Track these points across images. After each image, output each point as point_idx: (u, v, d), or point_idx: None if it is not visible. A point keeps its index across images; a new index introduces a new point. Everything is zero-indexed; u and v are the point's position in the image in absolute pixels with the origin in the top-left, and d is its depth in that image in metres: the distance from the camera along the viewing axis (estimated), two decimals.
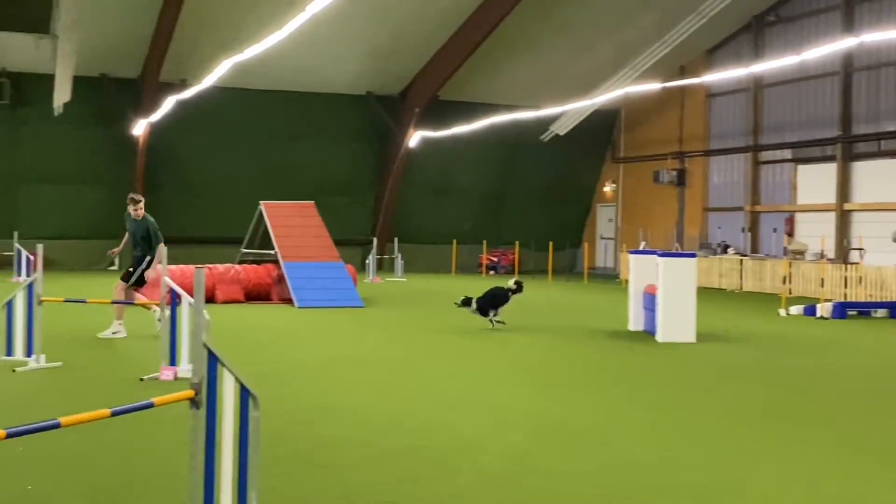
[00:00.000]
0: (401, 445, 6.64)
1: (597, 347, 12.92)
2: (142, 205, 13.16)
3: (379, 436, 6.93)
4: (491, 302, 14.88)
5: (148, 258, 12.97)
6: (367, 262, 29.50)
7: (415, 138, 32.15)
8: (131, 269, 13.14)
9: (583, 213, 36.87)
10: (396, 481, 5.73)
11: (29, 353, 9.95)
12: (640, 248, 27.27)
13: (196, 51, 27.74)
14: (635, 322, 14.96)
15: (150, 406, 4.18)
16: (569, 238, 35.28)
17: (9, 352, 10.11)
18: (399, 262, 29.97)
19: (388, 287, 25.25)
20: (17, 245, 24.39)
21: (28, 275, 19.97)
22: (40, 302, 10.08)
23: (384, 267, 31.82)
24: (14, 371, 9.56)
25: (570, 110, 30.36)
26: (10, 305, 10.14)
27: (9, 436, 3.44)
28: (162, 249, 12.15)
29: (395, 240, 31.58)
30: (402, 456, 6.34)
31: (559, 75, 30.68)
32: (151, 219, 13.18)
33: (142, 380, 9.17)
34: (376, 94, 32.43)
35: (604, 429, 7.41)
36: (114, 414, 4.01)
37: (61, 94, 26.76)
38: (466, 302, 14.91)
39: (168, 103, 28.24)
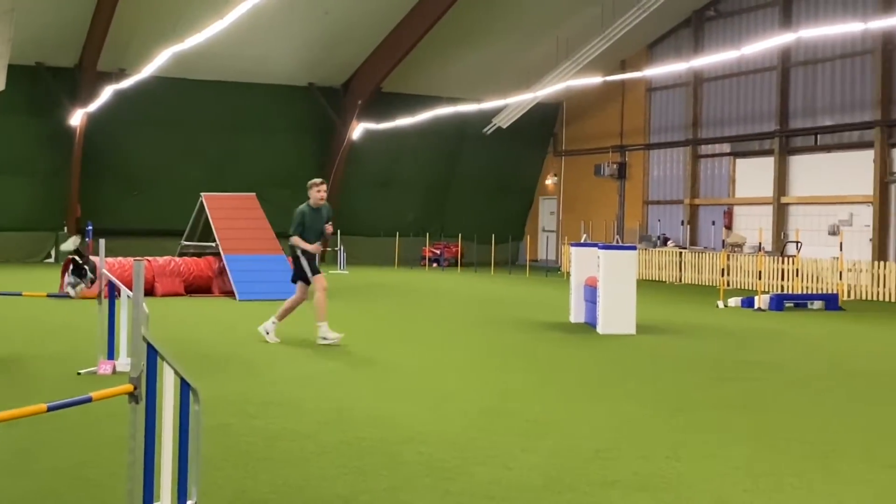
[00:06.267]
0: (345, 438, 6.61)
1: (538, 339, 12.99)
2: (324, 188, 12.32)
3: (323, 429, 6.90)
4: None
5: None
6: None
7: (358, 130, 32.02)
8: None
9: (525, 206, 37.03)
10: (337, 475, 5.71)
11: None
12: (582, 240, 27.48)
13: (135, 40, 27.30)
14: (576, 314, 15.09)
15: (89, 401, 4.10)
16: (511, 231, 35.42)
17: None
18: (342, 255, 29.88)
19: (330, 280, 25.11)
20: None
21: None
22: None
23: (326, 260, 31.68)
24: None
25: (513, 103, 30.47)
26: None
27: None
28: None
29: (338, 232, 31.46)
30: (345, 448, 6.32)
31: (502, 68, 30.76)
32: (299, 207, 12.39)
33: (79, 374, 9.03)
34: (318, 85, 32.23)
35: (545, 419, 7.46)
36: (50, 409, 3.92)
37: None
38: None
39: (106, 93, 27.79)
